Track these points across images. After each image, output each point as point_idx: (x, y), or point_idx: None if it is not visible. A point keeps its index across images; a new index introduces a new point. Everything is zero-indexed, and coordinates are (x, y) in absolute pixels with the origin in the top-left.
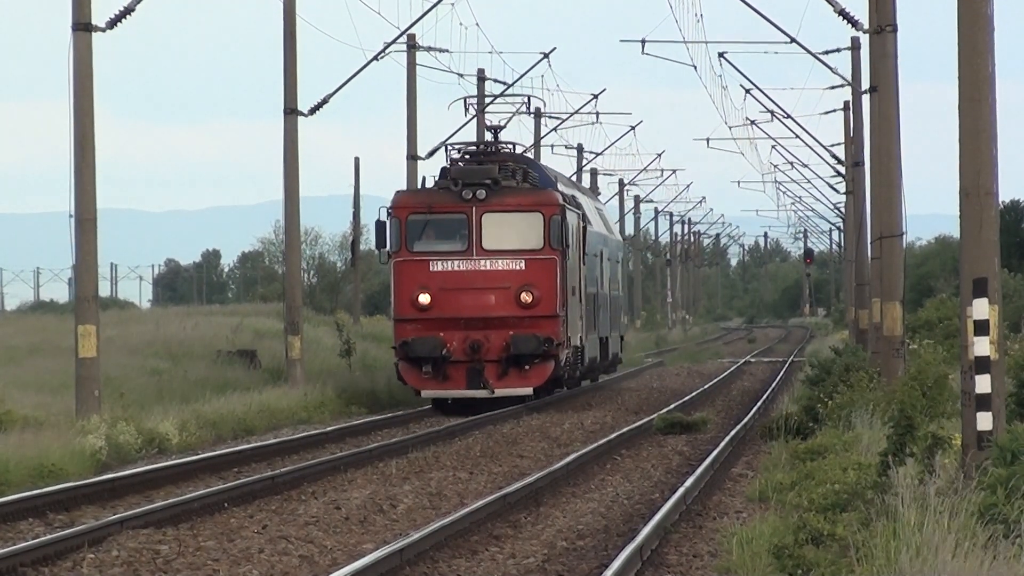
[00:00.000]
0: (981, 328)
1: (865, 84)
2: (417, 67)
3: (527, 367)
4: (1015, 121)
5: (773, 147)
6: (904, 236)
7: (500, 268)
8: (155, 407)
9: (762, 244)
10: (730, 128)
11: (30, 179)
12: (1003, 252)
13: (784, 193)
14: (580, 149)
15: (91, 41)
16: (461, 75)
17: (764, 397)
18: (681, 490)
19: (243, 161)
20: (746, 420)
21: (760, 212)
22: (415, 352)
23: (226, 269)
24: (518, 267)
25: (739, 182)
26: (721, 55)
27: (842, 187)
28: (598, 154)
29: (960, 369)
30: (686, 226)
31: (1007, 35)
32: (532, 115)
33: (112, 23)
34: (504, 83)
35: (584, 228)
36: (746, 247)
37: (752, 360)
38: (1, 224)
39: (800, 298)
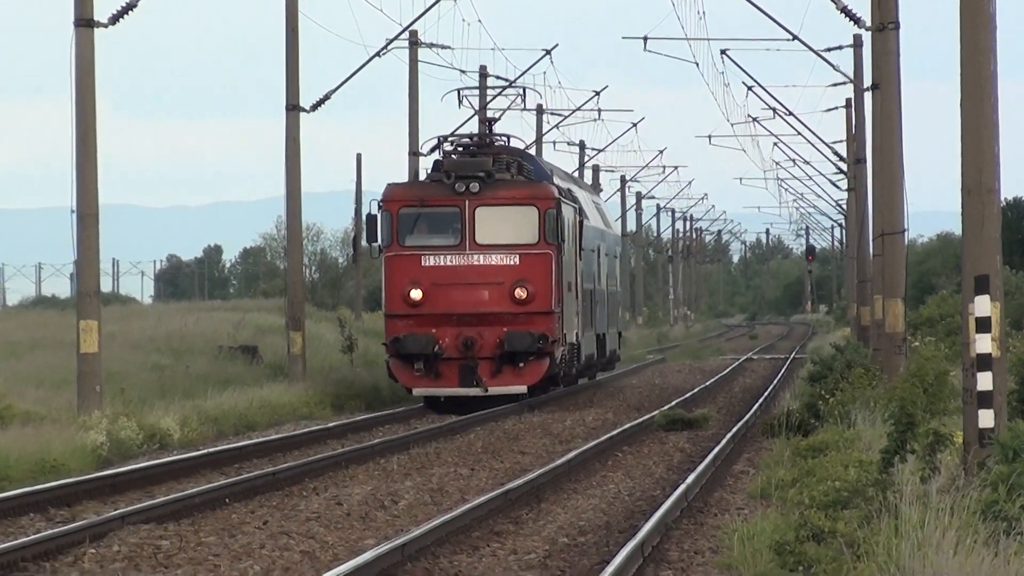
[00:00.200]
0: (983, 325)
1: (867, 81)
2: (419, 64)
3: (521, 365)
4: (1017, 119)
5: (775, 144)
6: (906, 233)
7: (494, 263)
8: (157, 403)
9: (764, 241)
10: (732, 125)
11: (31, 175)
12: (1005, 249)
13: (786, 190)
14: (582, 146)
15: (93, 37)
16: (463, 71)
17: (766, 394)
18: (683, 487)
19: (245, 157)
20: (748, 417)
21: (762, 209)
22: (406, 349)
23: (228, 265)
24: (512, 262)
25: (741, 179)
26: (723, 52)
27: (844, 184)
28: (600, 151)
29: (962, 366)
30: (688, 223)
31: (1009, 33)
32: (533, 111)
33: (114, 19)
34: (506, 80)
35: (581, 222)
36: (748, 244)
37: (754, 357)
38: (2, 219)
39: (802, 295)
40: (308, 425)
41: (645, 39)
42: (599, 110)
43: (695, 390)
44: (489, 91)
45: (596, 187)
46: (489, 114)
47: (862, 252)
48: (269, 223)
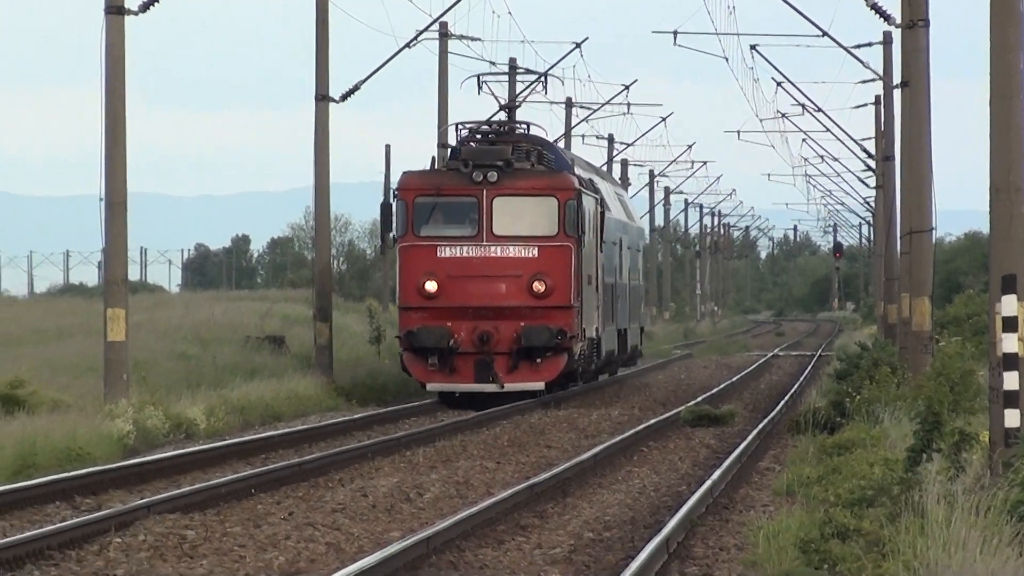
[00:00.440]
0: (1009, 324)
1: (896, 79)
2: (449, 55)
3: (539, 360)
4: None
5: (804, 140)
6: (934, 231)
7: (511, 255)
8: (183, 392)
9: (792, 237)
10: (761, 121)
11: (60, 162)
12: None
13: (814, 187)
14: (611, 140)
15: (124, 24)
16: (493, 63)
17: (792, 391)
18: (708, 483)
19: (274, 147)
20: (773, 414)
21: (790, 205)
22: (420, 342)
23: (255, 255)
24: (531, 254)
25: (769, 175)
26: (753, 48)
27: (872, 181)
28: (629, 145)
29: (988, 365)
30: (716, 218)
31: None
32: (562, 103)
33: (144, 7)
34: (536, 72)
35: (602, 214)
36: (775, 240)
37: (780, 353)
38: (31, 207)
39: (829, 292)
40: (334, 416)
41: (675, 33)
42: (628, 104)
43: (721, 386)
44: (519, 83)
45: (624, 181)
46: (527, 113)
47: (890, 250)
48: (297, 213)
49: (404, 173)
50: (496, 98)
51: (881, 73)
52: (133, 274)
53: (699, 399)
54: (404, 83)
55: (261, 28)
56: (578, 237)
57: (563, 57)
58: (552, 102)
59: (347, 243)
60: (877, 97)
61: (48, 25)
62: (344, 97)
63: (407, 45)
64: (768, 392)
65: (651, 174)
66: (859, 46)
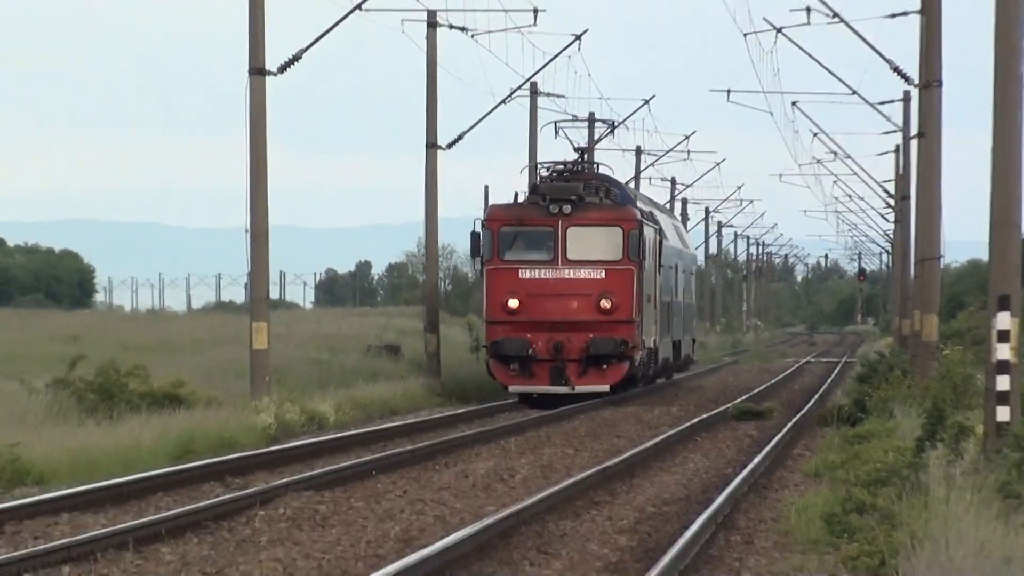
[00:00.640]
0: (1003, 336)
1: (914, 130)
2: (538, 110)
3: (605, 366)
4: None
5: (835, 182)
6: (941, 259)
7: (582, 277)
8: (316, 391)
9: (823, 264)
10: (799, 166)
11: (212, 199)
12: None
13: (843, 221)
14: (673, 182)
15: (265, 84)
16: (575, 116)
17: (821, 391)
18: (750, 466)
19: (392, 186)
20: (805, 410)
21: (822, 237)
22: (504, 351)
23: (376, 277)
24: (599, 276)
25: (805, 211)
26: (794, 104)
27: (891, 217)
28: (688, 186)
29: (984, 370)
30: (760, 247)
31: None
32: (633, 151)
33: (282, 68)
34: (611, 123)
35: (660, 242)
36: (810, 266)
37: (812, 360)
38: (188, 237)
39: (854, 309)
40: (441, 411)
41: (728, 92)
42: (688, 151)
43: (762, 387)
44: (596, 132)
45: (684, 216)
46: (600, 157)
47: (905, 274)
48: (411, 243)
49: (490, 206)
50: (571, 142)
51: (901, 125)
52: (273, 294)
53: (743, 398)
54: (500, 132)
55: (379, 85)
56: (639, 261)
57: (634, 111)
58: (624, 149)
59: (452, 267)
60: (897, 146)
61: (202, 81)
62: (450, 145)
63: (503, 101)
64: (801, 392)
65: (707, 211)
66: (883, 103)
